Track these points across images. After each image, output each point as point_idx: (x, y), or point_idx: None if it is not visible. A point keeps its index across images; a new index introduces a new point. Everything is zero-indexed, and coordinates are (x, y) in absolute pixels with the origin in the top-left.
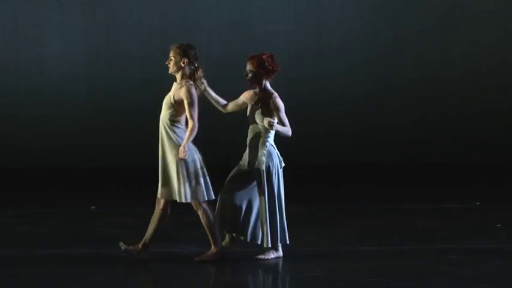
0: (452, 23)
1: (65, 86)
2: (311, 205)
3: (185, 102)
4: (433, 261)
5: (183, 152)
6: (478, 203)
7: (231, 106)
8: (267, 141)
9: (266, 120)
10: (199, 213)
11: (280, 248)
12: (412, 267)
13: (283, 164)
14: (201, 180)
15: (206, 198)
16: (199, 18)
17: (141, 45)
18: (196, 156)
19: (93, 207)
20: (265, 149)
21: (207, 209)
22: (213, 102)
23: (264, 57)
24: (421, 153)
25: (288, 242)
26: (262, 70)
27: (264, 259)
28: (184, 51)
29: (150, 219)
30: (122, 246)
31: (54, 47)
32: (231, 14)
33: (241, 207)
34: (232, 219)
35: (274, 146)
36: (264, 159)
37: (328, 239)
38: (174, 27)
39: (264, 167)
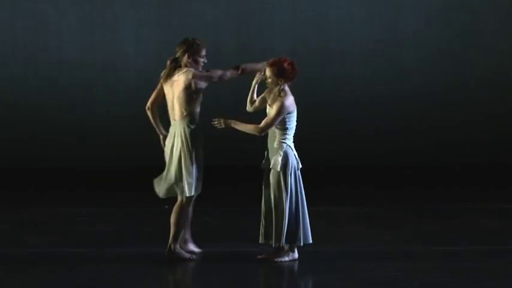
0: None
1: (139, 85)
2: (378, 206)
3: None
4: (506, 262)
5: None
6: None
7: (257, 103)
8: (283, 142)
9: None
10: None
11: (296, 250)
12: (487, 267)
13: (301, 166)
14: None
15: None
16: (273, 16)
17: (214, 44)
18: None
19: (166, 207)
20: (281, 150)
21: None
22: (249, 94)
23: (284, 65)
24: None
25: (310, 241)
26: (282, 78)
27: (280, 261)
28: None
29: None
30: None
31: (129, 47)
32: (304, 12)
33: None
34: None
35: (292, 147)
36: (280, 160)
37: (398, 239)
38: (247, 26)
39: (279, 168)
